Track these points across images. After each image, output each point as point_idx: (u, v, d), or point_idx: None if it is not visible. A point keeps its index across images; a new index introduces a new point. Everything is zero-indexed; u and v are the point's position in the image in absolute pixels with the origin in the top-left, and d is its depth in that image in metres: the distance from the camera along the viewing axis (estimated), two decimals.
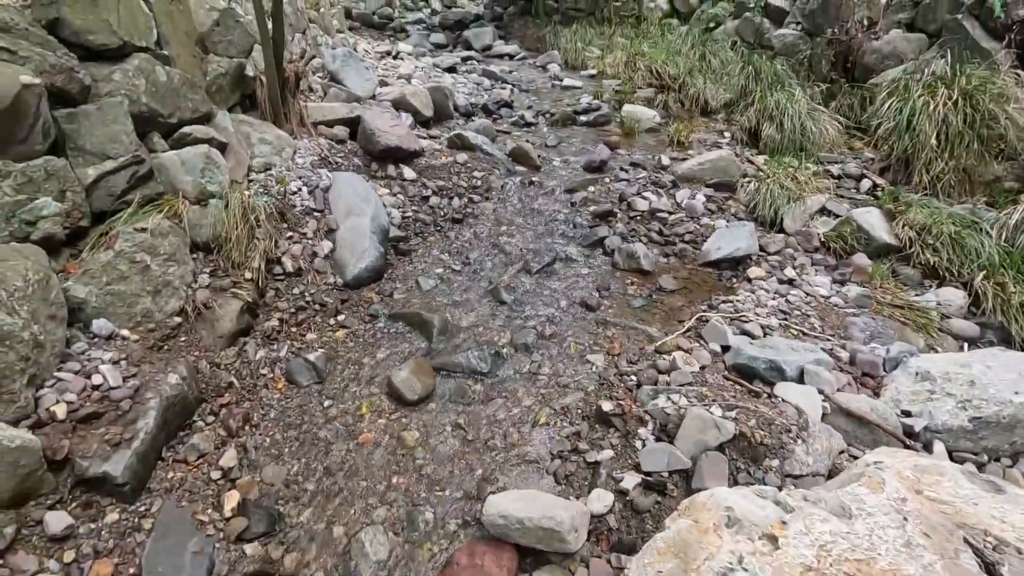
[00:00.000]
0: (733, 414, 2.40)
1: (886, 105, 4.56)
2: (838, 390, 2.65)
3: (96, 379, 2.36)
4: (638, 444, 2.43)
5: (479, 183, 4.89)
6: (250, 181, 3.69)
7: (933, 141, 4.20)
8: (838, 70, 6.54)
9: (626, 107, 6.64)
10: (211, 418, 2.63)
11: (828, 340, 3.00)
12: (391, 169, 4.80)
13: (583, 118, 6.62)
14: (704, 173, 4.84)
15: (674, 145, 5.74)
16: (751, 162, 5.02)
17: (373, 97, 5.95)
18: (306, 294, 3.39)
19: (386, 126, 4.87)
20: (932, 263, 3.56)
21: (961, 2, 5.48)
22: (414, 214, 4.42)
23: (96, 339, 2.57)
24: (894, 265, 3.74)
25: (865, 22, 6.46)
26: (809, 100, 5.31)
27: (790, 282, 3.52)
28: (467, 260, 4.02)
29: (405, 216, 4.36)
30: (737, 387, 2.67)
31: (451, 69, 8.67)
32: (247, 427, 2.65)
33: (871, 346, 2.95)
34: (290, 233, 3.59)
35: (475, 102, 6.99)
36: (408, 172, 4.82)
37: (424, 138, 5.63)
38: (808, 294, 3.36)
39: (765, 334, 2.99)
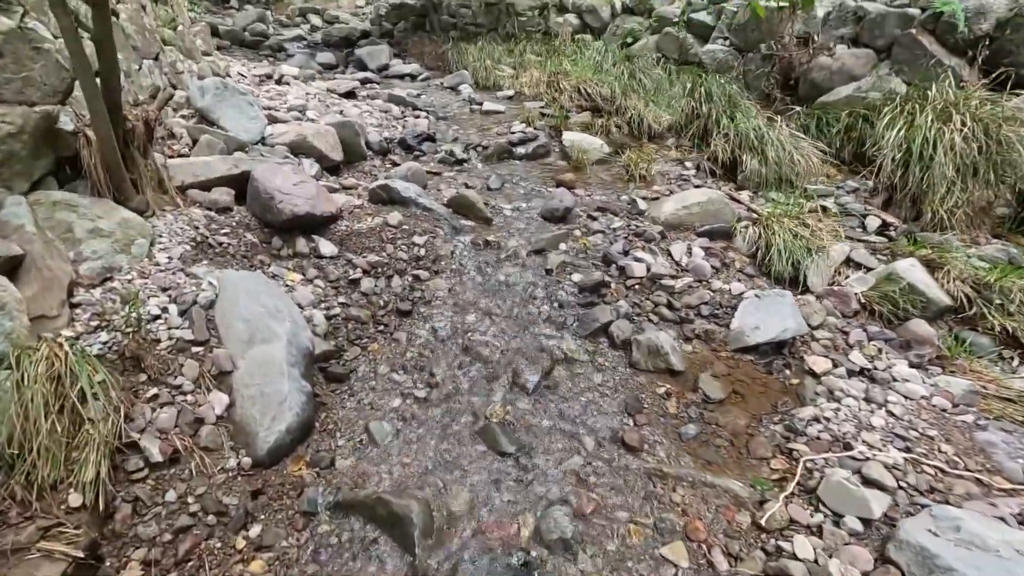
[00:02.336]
0: None
1: (891, 132, 3.89)
2: None
3: None
4: None
5: (423, 251, 3.62)
6: (74, 312, 2.19)
7: (951, 172, 3.57)
8: (779, 88, 5.99)
9: (567, 136, 5.64)
10: None
11: (982, 482, 2.11)
12: (301, 244, 3.41)
13: (520, 150, 5.54)
14: (692, 218, 3.92)
15: (635, 180, 4.82)
16: (737, 200, 4.19)
17: (262, 141, 4.46)
18: (189, 497, 1.98)
19: (288, 184, 3.47)
20: (1009, 329, 2.87)
21: (911, 17, 5.05)
22: (343, 309, 3.07)
23: None
24: (954, 329, 3.03)
25: (802, 37, 5.97)
26: (780, 125, 4.59)
27: (868, 376, 2.66)
28: (432, 378, 2.76)
29: (332, 315, 3.00)
30: None
31: (350, 94, 7.22)
32: None
33: None
34: (154, 391, 2.14)
35: (390, 136, 5.65)
36: (326, 246, 3.45)
37: (338, 191, 4.24)
38: (904, 395, 2.50)
39: (898, 485, 2.05)
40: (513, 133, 5.88)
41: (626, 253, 3.62)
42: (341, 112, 6.01)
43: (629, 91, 6.39)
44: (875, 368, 2.68)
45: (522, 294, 3.36)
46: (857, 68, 5.34)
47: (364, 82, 8.19)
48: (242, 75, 7.02)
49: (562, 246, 3.80)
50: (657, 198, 4.44)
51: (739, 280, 3.41)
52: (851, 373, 2.68)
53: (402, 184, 4.11)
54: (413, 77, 9.16)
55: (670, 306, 3.21)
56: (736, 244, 3.78)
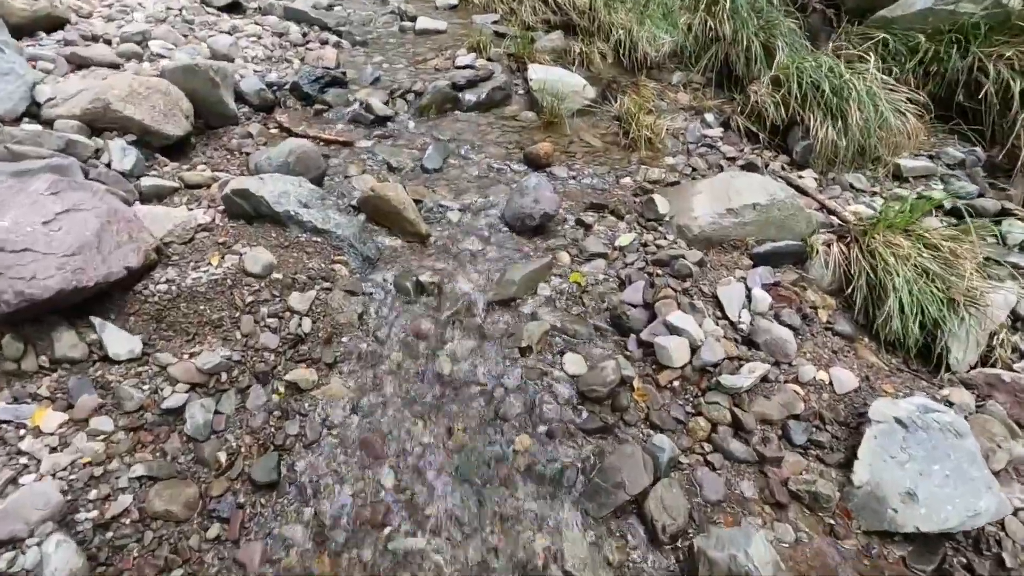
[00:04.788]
0: None
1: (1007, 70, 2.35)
2: None
3: None
4: None
5: (306, 323, 2.04)
6: None
7: None
8: None
9: (533, 72, 3.87)
10: None
11: None
12: (66, 341, 1.78)
13: (469, 96, 3.76)
14: (745, 230, 2.41)
15: (639, 147, 3.20)
16: (806, 194, 2.67)
17: (29, 114, 2.57)
18: None
19: (24, 230, 1.76)
20: None
21: None
22: (140, 492, 1.55)
23: None
24: None
25: None
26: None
27: None
28: None
29: (106, 521, 1.49)
30: None
31: (233, 6, 5.07)
32: None
33: None
34: None
35: (278, 80, 3.75)
36: (118, 339, 1.82)
37: (171, 198, 2.50)
38: None
39: None
40: (459, 68, 4.06)
41: (649, 306, 2.12)
42: (210, 40, 4.00)
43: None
44: None
45: (481, 410, 1.87)
46: None
47: None
48: None
49: (543, 290, 2.26)
50: (677, 182, 2.87)
51: (841, 358, 2.00)
52: None
53: (275, 186, 2.40)
54: None
55: (737, 427, 1.80)
56: (811, 272, 2.32)
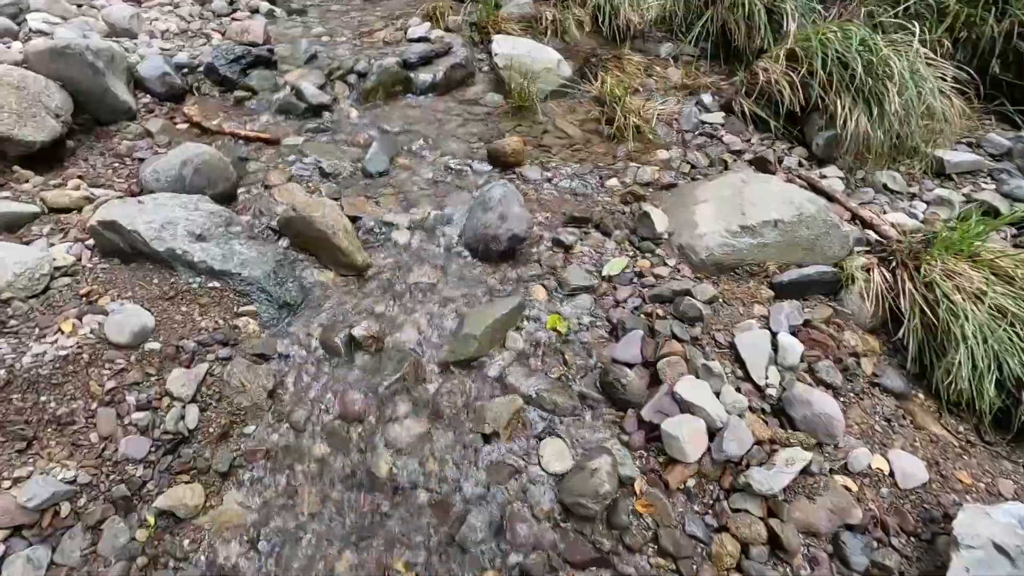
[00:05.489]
0: None
1: None
2: None
3: None
4: None
5: (191, 410, 1.50)
6: None
7: None
8: None
9: (499, 44, 3.24)
10: None
11: None
12: None
13: (423, 76, 3.13)
14: (765, 252, 1.90)
15: (625, 138, 2.64)
16: (826, 195, 2.16)
17: None
18: None
19: None
20: None
21: None
22: None
23: None
24: None
25: None
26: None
27: None
28: None
29: None
30: None
31: None
32: None
33: None
34: None
35: (189, 61, 3.06)
36: None
37: (17, 229, 1.88)
38: None
39: None
40: (411, 41, 3.40)
41: (649, 364, 1.62)
42: (106, 11, 3.28)
43: None
44: None
45: (431, 533, 1.37)
46: None
47: None
48: None
49: (513, 340, 1.74)
50: (674, 184, 2.33)
51: (897, 429, 1.54)
52: None
53: (157, 215, 1.79)
54: None
55: (775, 545, 1.33)
56: (846, 304, 1.83)
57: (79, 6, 3.41)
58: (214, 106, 2.86)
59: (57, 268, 1.76)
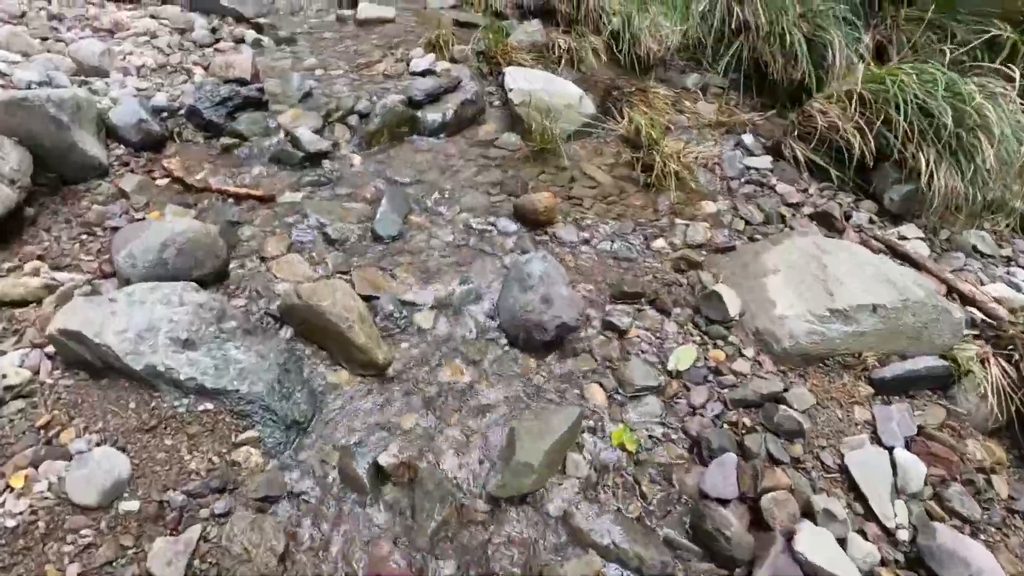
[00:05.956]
0: None
1: None
2: None
3: None
4: None
5: None
6: None
7: None
8: None
9: (512, 78, 2.94)
10: None
11: None
12: None
13: (431, 116, 2.80)
14: (863, 341, 1.61)
15: (663, 187, 2.34)
16: (912, 263, 1.88)
17: None
18: None
19: None
20: None
21: None
22: None
23: None
24: None
25: None
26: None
27: None
28: None
29: None
30: None
31: None
32: None
33: None
34: None
35: (169, 104, 2.69)
36: None
37: None
38: None
39: None
40: (415, 75, 3.09)
41: (748, 500, 1.32)
42: (73, 47, 2.92)
43: None
44: None
45: None
46: None
47: None
48: None
49: (574, 463, 1.42)
50: (732, 246, 2.04)
51: None
52: None
53: (132, 319, 1.45)
54: None
55: None
56: (959, 402, 1.55)
57: (43, 39, 3.05)
58: (198, 155, 2.50)
59: (7, 388, 1.41)
